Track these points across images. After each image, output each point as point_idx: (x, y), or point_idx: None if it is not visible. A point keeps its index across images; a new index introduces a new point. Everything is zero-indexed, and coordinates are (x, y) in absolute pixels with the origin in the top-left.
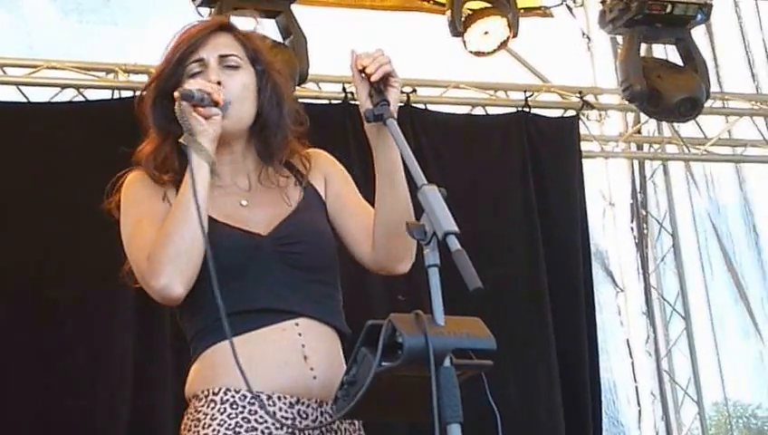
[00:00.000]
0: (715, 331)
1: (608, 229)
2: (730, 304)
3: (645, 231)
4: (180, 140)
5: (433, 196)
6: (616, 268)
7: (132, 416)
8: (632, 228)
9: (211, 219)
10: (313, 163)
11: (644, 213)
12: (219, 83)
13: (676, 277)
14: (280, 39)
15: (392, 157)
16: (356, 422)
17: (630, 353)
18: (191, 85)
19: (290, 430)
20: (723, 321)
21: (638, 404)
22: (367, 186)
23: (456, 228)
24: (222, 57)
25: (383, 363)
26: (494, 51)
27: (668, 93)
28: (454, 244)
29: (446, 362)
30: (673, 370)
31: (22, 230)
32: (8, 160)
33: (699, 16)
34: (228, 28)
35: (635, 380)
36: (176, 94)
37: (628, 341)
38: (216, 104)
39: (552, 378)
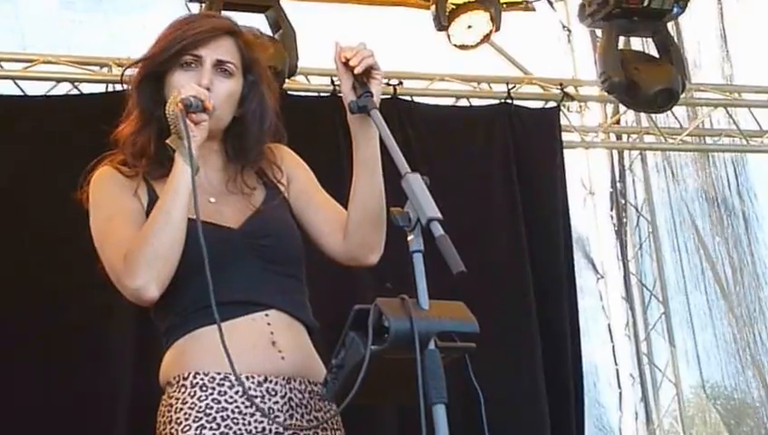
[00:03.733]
0: (691, 315)
1: (588, 217)
2: (706, 289)
3: (624, 219)
4: (167, 142)
5: (416, 183)
6: (596, 255)
7: (133, 400)
8: (612, 216)
9: None
10: (277, 160)
11: (623, 201)
12: (208, 89)
13: (654, 264)
14: (270, 33)
15: (373, 148)
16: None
17: (611, 337)
18: (188, 92)
19: (259, 407)
20: (699, 305)
21: (619, 386)
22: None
23: (439, 215)
24: (220, 62)
25: (370, 347)
26: (478, 44)
27: (646, 85)
28: (437, 229)
29: (431, 345)
30: (652, 353)
31: (19, 221)
32: (4, 152)
33: (675, 9)
34: (233, 33)
35: (615, 363)
36: (179, 104)
37: (609, 325)
38: (205, 110)
39: (535, 361)
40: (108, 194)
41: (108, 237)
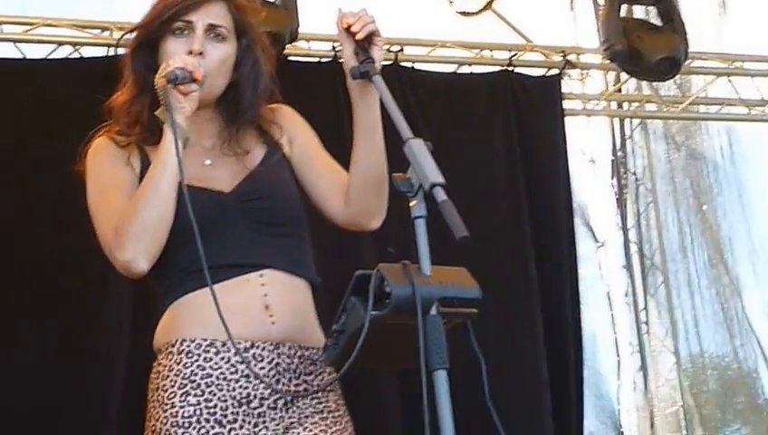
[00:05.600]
0: (691, 284)
1: (588, 185)
2: (706, 258)
3: (624, 187)
4: (156, 113)
5: (419, 149)
6: (596, 223)
7: (129, 366)
8: (612, 184)
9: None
10: (278, 120)
11: (623, 170)
12: (201, 53)
13: (654, 232)
14: None
15: (374, 114)
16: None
17: (610, 306)
18: (175, 63)
19: (244, 373)
20: (699, 274)
21: (618, 355)
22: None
23: (442, 180)
24: (211, 26)
25: (372, 312)
26: (480, 11)
27: (648, 53)
28: (440, 195)
29: (433, 311)
30: (651, 322)
31: (18, 185)
32: (4, 116)
33: None
34: None
35: (614, 331)
36: (161, 79)
37: (608, 293)
38: (195, 81)
39: (535, 329)
40: (101, 165)
41: (100, 210)
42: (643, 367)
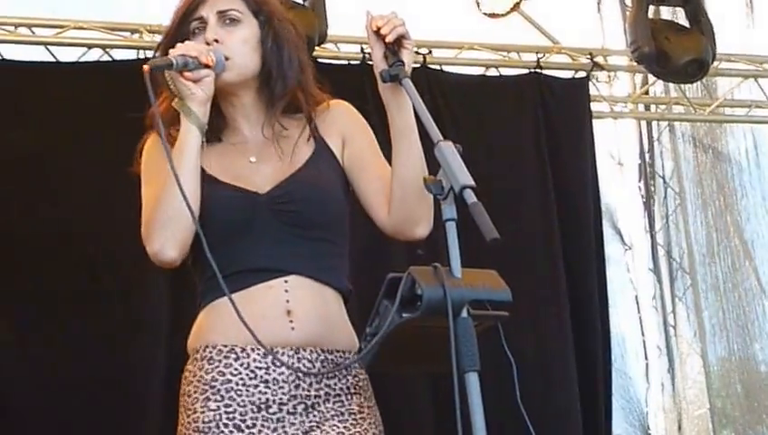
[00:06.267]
0: (718, 287)
1: (616, 188)
2: (734, 260)
3: (652, 190)
4: (173, 104)
5: (449, 151)
6: (624, 226)
7: (168, 371)
8: (640, 187)
9: (213, 179)
10: (332, 117)
11: (651, 172)
12: (216, 41)
13: (682, 235)
14: (300, 1)
15: (407, 117)
16: (360, 376)
17: (638, 309)
18: (176, 50)
19: (263, 378)
20: (727, 277)
21: (646, 358)
22: (386, 147)
23: (472, 182)
24: (221, 13)
25: (403, 315)
26: (508, 12)
27: (676, 55)
28: (470, 197)
29: (464, 313)
30: (678, 325)
31: (51, 188)
32: (37, 118)
33: None
34: None
35: (642, 334)
36: (144, 67)
37: (636, 296)
38: (206, 66)
39: (564, 331)
40: (149, 163)
41: (143, 206)
42: (671, 369)
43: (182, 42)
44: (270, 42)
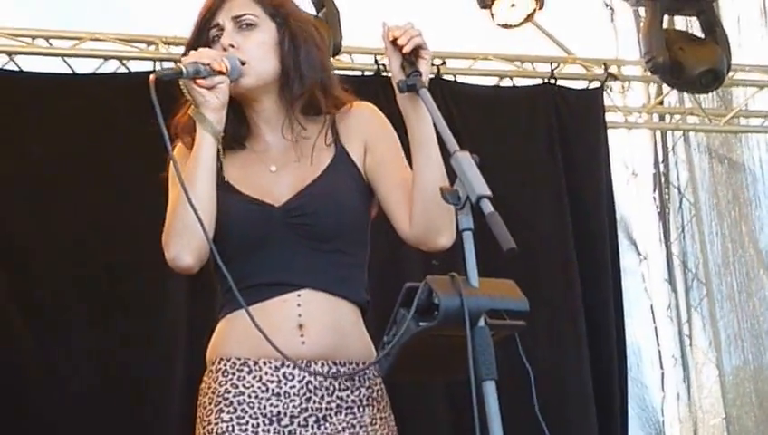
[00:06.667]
0: (734, 297)
1: (631, 198)
2: (749, 270)
3: (667, 200)
4: (189, 112)
5: (466, 161)
6: (639, 237)
7: (185, 378)
8: (654, 198)
9: (233, 189)
10: (355, 120)
11: (666, 183)
12: (232, 46)
13: (697, 245)
14: (313, 12)
15: (426, 127)
16: (371, 375)
17: (653, 318)
18: (188, 58)
19: (275, 391)
20: (742, 287)
21: (661, 367)
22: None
23: (488, 192)
24: (236, 18)
25: (420, 323)
26: (521, 23)
27: (690, 65)
28: (487, 207)
29: (481, 322)
30: (694, 335)
31: (69, 198)
32: (55, 129)
33: None
34: None
35: (658, 344)
36: (150, 77)
37: (651, 306)
38: (220, 72)
39: (579, 341)
40: (173, 170)
41: (166, 216)
42: (686, 379)
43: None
44: (287, 43)
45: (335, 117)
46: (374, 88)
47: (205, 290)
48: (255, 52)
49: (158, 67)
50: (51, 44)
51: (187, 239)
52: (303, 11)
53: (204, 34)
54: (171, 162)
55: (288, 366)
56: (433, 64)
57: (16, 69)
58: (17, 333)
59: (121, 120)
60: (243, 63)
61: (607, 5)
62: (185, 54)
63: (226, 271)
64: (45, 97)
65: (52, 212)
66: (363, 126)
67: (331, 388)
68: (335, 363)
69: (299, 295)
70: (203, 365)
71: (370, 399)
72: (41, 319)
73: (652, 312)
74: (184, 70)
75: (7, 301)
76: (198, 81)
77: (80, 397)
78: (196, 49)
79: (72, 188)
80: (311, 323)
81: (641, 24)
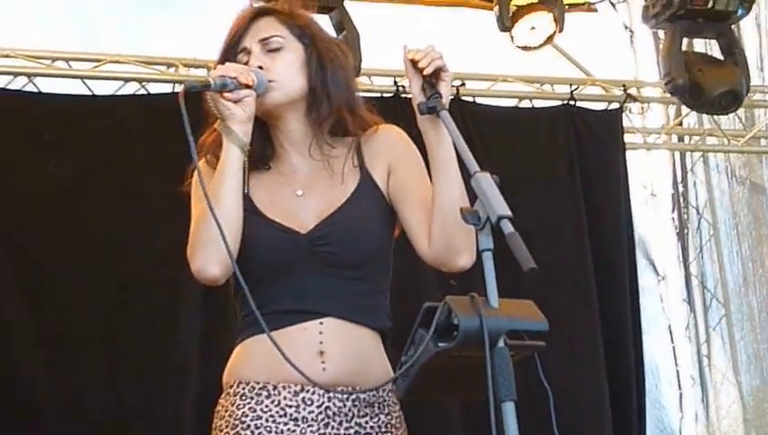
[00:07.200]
0: (754, 317)
1: (649, 219)
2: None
3: (686, 221)
4: (215, 126)
5: (486, 182)
6: (657, 257)
7: (198, 397)
8: (673, 218)
9: (259, 213)
10: (379, 143)
11: (684, 203)
12: (261, 68)
13: (716, 265)
14: (334, 34)
15: (446, 148)
16: (391, 401)
17: (672, 339)
18: (216, 71)
19: (293, 416)
20: (761, 307)
21: (680, 388)
22: None
23: (509, 213)
24: (263, 41)
25: (439, 344)
26: (541, 45)
27: (709, 87)
28: (507, 227)
29: (501, 343)
30: (712, 355)
31: (89, 217)
32: (75, 150)
33: (740, 11)
34: (269, 12)
35: (676, 364)
36: (180, 89)
37: (669, 326)
38: (247, 86)
39: (597, 361)
40: (197, 184)
41: (191, 225)
42: (705, 399)
43: None
44: (314, 63)
45: (360, 139)
46: (393, 109)
47: (218, 309)
48: (283, 70)
49: (177, 89)
50: (71, 66)
51: (212, 252)
52: (327, 32)
53: (231, 58)
54: (196, 174)
55: (308, 391)
56: (453, 85)
57: (35, 90)
58: (29, 351)
59: (139, 141)
60: (270, 81)
61: (626, 28)
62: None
63: (249, 295)
64: (64, 118)
65: (68, 231)
66: (388, 148)
67: (350, 414)
68: (355, 389)
69: (321, 323)
70: (215, 385)
71: (389, 426)
72: (54, 336)
73: (670, 332)
74: (212, 82)
75: (19, 316)
76: (225, 94)
77: (92, 415)
78: None
79: (88, 208)
80: (332, 350)
81: (660, 46)
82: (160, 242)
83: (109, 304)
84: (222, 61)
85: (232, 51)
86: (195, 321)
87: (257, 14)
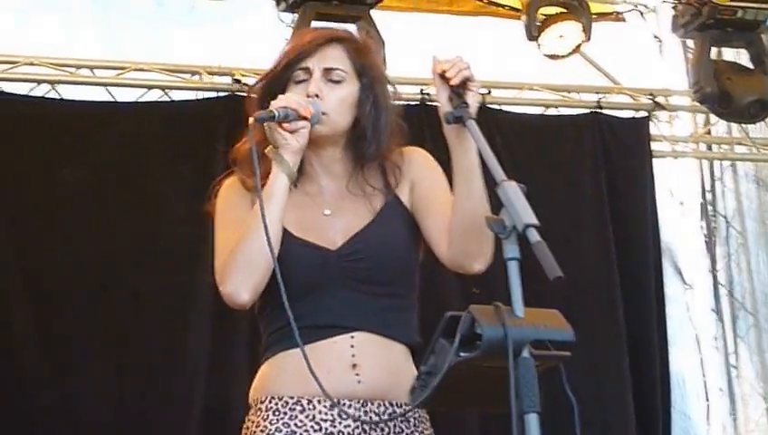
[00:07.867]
0: None
1: (677, 227)
2: None
3: (714, 229)
4: (266, 151)
5: (512, 191)
6: (684, 265)
7: (206, 406)
8: (701, 227)
9: (287, 232)
10: (404, 163)
11: (713, 212)
12: (317, 96)
13: (744, 274)
14: None
15: (470, 158)
16: (423, 417)
17: (699, 349)
18: (277, 103)
19: (327, 431)
20: None
21: (707, 399)
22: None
23: (536, 221)
24: (327, 70)
25: (461, 354)
26: (569, 54)
27: (738, 95)
28: (534, 236)
29: (525, 353)
30: (741, 366)
31: (109, 223)
32: (98, 157)
33: None
34: (340, 40)
35: (703, 375)
36: (250, 119)
37: (696, 336)
38: (304, 118)
39: (622, 371)
40: (226, 204)
41: (217, 247)
42: (733, 411)
43: (280, 85)
44: (369, 105)
45: (386, 164)
46: (418, 118)
47: (227, 320)
48: (337, 106)
49: (200, 96)
50: (94, 74)
51: (247, 275)
52: (385, 72)
53: (289, 71)
54: (258, 198)
55: (344, 405)
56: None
57: (57, 97)
58: (35, 362)
59: (160, 147)
60: (323, 114)
61: (656, 37)
62: (263, 83)
63: (289, 309)
64: (86, 124)
65: (94, 233)
66: (412, 166)
67: (386, 429)
68: (391, 404)
69: (352, 337)
70: (222, 397)
71: None
72: (66, 347)
73: (697, 342)
74: (276, 114)
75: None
76: (284, 124)
77: (97, 426)
78: (275, 80)
79: (107, 215)
80: (365, 362)
81: (689, 56)
82: (174, 252)
83: (121, 310)
84: (279, 70)
85: (292, 66)
86: (205, 331)
87: (329, 41)
